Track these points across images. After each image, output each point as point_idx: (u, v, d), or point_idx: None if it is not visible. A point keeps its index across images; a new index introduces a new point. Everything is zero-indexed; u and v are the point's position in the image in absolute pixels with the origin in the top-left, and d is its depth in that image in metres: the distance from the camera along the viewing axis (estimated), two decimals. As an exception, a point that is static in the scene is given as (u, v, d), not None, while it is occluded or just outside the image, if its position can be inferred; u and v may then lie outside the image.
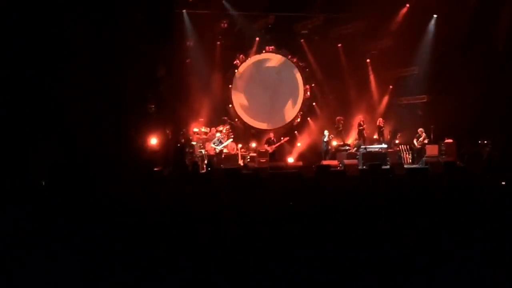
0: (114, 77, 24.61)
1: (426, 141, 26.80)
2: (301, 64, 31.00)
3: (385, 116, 29.15)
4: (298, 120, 31.12)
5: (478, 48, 25.99)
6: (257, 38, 29.74)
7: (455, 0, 26.76)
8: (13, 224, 10.87)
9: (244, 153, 27.47)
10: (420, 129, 27.04)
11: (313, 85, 31.12)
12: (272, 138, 27.39)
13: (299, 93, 31.34)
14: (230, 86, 30.28)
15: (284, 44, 30.71)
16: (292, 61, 31.10)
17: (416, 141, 27.06)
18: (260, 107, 30.76)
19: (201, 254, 8.25)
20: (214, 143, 26.20)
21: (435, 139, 27.05)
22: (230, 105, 30.24)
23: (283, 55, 31.01)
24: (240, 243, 9.01)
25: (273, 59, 31.08)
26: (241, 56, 30.25)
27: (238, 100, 30.55)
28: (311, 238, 9.19)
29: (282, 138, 27.88)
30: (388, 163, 25.41)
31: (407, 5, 28.40)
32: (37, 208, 13.21)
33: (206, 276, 7.22)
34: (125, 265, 7.78)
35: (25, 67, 20.94)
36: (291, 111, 31.24)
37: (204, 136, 26.91)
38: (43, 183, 19.65)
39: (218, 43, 28.90)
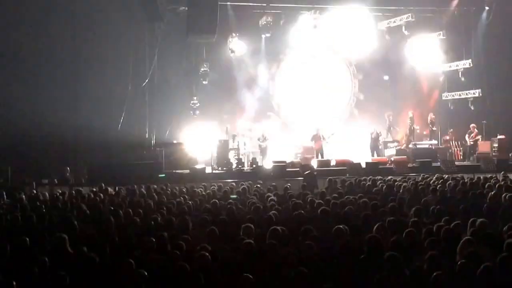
0: (158, 71, 24.77)
1: (478, 138, 26.11)
2: (348, 58, 30.39)
3: (435, 111, 28.53)
4: (345, 115, 30.52)
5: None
6: (303, 31, 29.13)
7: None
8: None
9: (289, 149, 27.01)
10: (472, 125, 26.42)
11: (360, 79, 30.52)
12: (319, 134, 26.79)
13: (346, 88, 30.77)
14: (275, 81, 29.82)
15: (331, 38, 29.89)
16: (338, 55, 30.52)
17: (468, 137, 26.33)
18: (306, 103, 30.22)
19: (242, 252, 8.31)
20: (259, 139, 25.89)
21: (487, 135, 26.36)
22: (275, 101, 29.78)
23: (329, 49, 30.34)
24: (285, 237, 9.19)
25: (320, 53, 30.48)
26: (286, 50, 29.74)
27: (283, 95, 30.08)
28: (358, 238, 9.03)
29: (329, 134, 27.26)
30: (439, 160, 24.78)
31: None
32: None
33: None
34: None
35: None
36: (338, 107, 30.70)
37: (249, 132, 26.58)
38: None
39: (263, 36, 28.36)
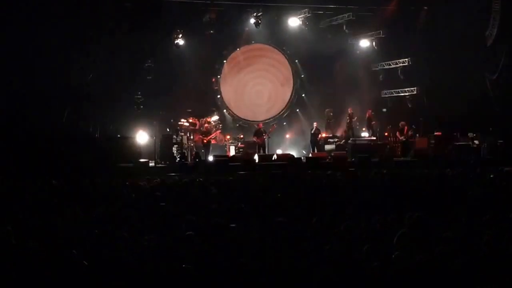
0: (102, 66, 24.54)
1: (409, 134, 26.65)
2: (290, 55, 30.85)
3: (374, 108, 29.06)
4: (287, 111, 31.00)
5: (470, 41, 25.97)
6: (247, 29, 29.49)
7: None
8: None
9: (232, 144, 27.32)
10: (402, 123, 26.91)
11: (302, 76, 31.01)
12: (261, 129, 27.20)
13: (288, 85, 31.25)
14: (219, 77, 30.10)
15: (274, 35, 30.45)
16: (281, 53, 30.95)
17: (399, 135, 26.90)
18: (249, 98, 30.67)
19: (185, 243, 8.17)
20: (202, 134, 25.97)
21: (424, 132, 27.01)
22: (219, 96, 30.06)
23: (273, 46, 30.86)
24: (226, 233, 8.93)
25: (263, 50, 30.95)
26: (230, 46, 30.05)
27: (227, 91, 30.37)
28: (299, 229, 9.14)
29: (270, 129, 27.69)
30: (377, 155, 25.30)
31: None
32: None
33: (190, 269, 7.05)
34: (111, 254, 7.59)
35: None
36: (280, 103, 31.19)
37: (192, 127, 26.71)
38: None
39: (207, 33, 28.62)
